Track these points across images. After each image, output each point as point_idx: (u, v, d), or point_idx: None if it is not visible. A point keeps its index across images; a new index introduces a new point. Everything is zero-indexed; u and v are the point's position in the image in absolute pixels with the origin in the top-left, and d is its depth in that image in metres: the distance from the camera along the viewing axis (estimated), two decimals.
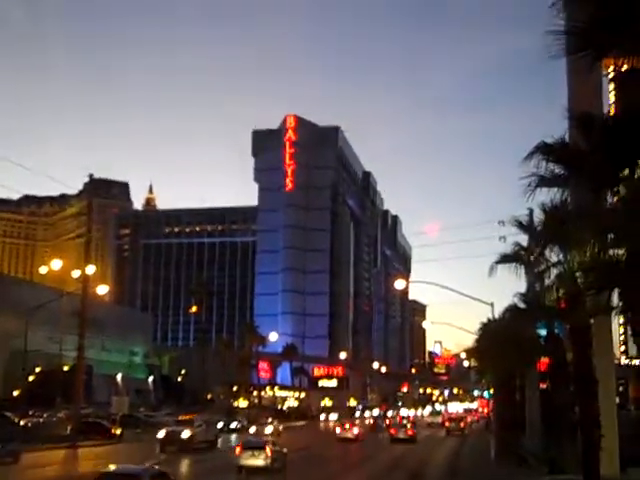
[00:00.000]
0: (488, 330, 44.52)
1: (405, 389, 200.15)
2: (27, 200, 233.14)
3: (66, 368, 69.19)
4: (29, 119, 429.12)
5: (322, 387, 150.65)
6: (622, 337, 58.49)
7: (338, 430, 63.99)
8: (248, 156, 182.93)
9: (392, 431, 66.98)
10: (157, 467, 18.90)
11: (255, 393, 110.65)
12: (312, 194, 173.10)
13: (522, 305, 30.02)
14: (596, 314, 19.37)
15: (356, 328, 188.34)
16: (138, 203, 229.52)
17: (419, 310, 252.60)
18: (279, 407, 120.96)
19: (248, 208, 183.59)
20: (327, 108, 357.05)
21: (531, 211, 23.06)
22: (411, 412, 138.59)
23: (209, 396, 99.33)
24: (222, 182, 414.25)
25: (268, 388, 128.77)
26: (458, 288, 54.58)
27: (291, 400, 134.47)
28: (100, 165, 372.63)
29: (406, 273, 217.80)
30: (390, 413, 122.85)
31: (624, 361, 63.07)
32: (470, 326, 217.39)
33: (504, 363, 36.95)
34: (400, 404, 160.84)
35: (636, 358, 62.79)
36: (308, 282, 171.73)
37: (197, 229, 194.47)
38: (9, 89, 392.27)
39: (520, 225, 22.80)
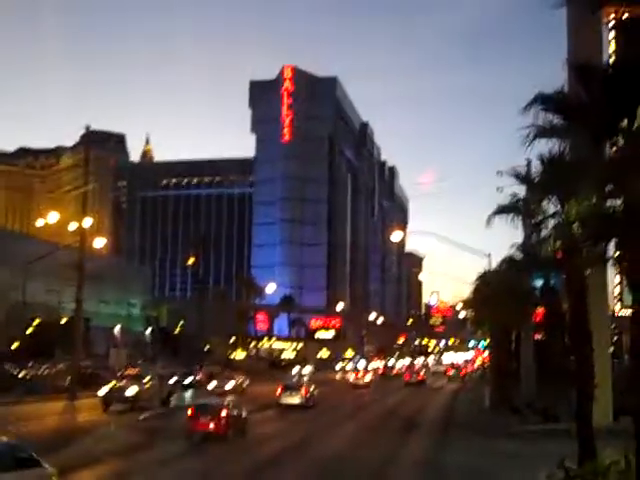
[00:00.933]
0: (485, 281, 44.74)
1: (402, 340, 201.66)
2: (23, 152, 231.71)
3: (64, 320, 69.51)
4: (25, 71, 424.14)
5: (319, 339, 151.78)
6: (617, 288, 58.71)
7: (352, 377, 74.43)
8: (245, 107, 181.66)
9: (406, 376, 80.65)
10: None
11: (252, 344, 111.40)
12: (309, 145, 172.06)
13: (519, 256, 30.11)
14: (592, 265, 19.41)
15: (353, 279, 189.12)
16: (135, 155, 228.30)
17: (416, 261, 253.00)
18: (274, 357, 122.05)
19: (245, 159, 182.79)
20: (324, 59, 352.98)
21: (529, 162, 22.99)
22: (420, 360, 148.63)
23: (206, 347, 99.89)
24: (219, 133, 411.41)
25: (265, 339, 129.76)
26: (455, 239, 54.84)
27: (289, 351, 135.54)
28: (97, 117, 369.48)
29: (403, 224, 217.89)
30: (391, 362, 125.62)
31: (619, 312, 63.41)
32: (467, 278, 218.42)
33: (500, 314, 37.27)
34: (397, 355, 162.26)
35: (631, 308, 63.02)
36: (305, 233, 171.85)
37: (194, 181, 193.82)
38: (3, 42, 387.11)
39: (518, 176, 22.68)
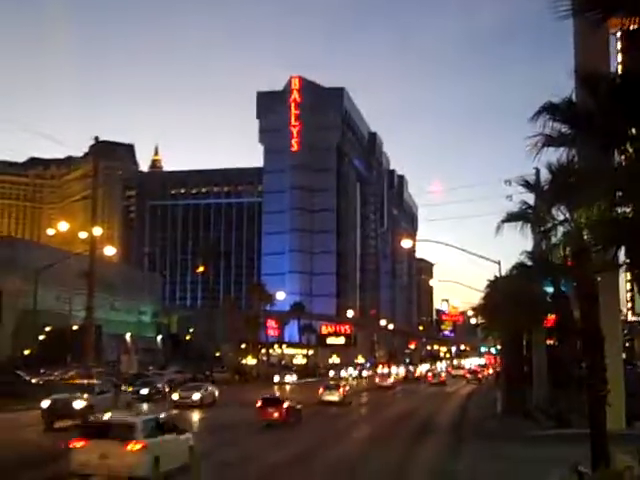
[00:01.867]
0: (495, 287, 44.83)
1: (413, 346, 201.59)
2: (33, 162, 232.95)
3: (75, 327, 69.88)
4: (35, 83, 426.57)
5: (330, 344, 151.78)
6: (629, 294, 58.80)
7: (377, 380, 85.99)
8: (252, 118, 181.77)
9: (429, 378, 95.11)
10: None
11: (263, 351, 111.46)
12: (318, 155, 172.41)
13: (529, 263, 30.17)
14: (603, 270, 19.51)
15: (363, 287, 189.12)
16: (144, 165, 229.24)
17: (426, 269, 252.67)
18: (283, 363, 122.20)
19: (253, 169, 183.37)
20: (332, 70, 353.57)
21: (538, 170, 23.11)
22: (439, 366, 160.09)
23: (217, 354, 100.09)
24: (227, 144, 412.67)
25: (276, 346, 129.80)
26: (465, 247, 55.24)
27: (299, 357, 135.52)
28: (106, 127, 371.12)
29: (413, 232, 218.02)
30: (401, 369, 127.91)
31: (631, 318, 63.49)
32: (477, 285, 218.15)
33: (511, 320, 37.28)
34: (408, 361, 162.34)
35: None
36: (315, 242, 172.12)
37: (203, 190, 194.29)
38: (14, 52, 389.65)
39: (527, 184, 22.79)
